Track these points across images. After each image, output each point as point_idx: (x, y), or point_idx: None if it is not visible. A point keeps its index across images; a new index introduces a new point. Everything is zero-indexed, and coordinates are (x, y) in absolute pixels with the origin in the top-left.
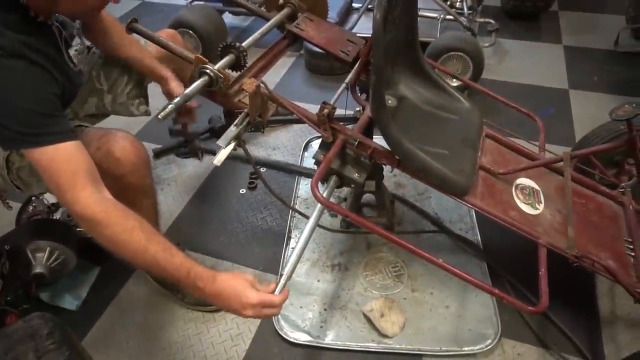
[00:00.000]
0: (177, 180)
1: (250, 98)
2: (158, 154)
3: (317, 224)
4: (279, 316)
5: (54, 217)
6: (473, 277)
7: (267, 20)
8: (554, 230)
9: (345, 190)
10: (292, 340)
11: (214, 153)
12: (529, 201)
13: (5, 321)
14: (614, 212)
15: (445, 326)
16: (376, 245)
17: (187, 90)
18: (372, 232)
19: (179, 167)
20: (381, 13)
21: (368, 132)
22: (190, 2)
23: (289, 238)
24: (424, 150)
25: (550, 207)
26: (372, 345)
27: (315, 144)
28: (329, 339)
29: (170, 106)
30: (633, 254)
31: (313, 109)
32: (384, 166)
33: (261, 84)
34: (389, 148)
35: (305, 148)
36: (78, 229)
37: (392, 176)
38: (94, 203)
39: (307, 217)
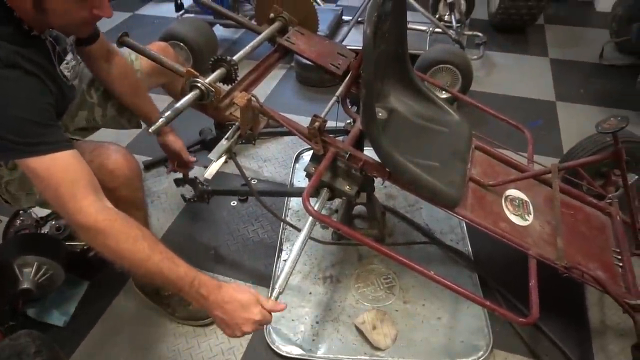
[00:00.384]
0: (167, 193)
1: (242, 112)
2: (148, 167)
3: (309, 237)
4: (271, 329)
5: (42, 232)
6: (464, 289)
7: (258, 33)
8: (543, 241)
9: (336, 202)
10: (284, 353)
11: (223, 194)
12: (519, 212)
13: None
14: (602, 222)
15: (438, 338)
16: (368, 257)
17: (178, 104)
18: (363, 244)
19: (169, 179)
20: (371, 27)
21: (359, 144)
22: (181, 15)
23: (281, 250)
24: (414, 162)
25: (540, 218)
26: (364, 359)
27: (307, 156)
28: (321, 352)
29: (161, 120)
30: (621, 264)
31: (304, 121)
32: (375, 178)
33: (252, 98)
34: (379, 160)
35: (297, 160)
36: (67, 243)
37: (383, 188)
38: (96, 212)
39: (299, 230)
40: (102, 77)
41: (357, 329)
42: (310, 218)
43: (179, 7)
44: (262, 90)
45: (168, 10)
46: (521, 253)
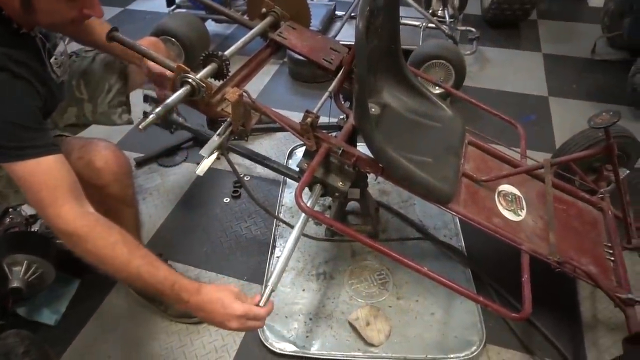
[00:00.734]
0: (159, 190)
1: (233, 107)
2: (140, 163)
3: (302, 233)
4: (264, 326)
5: (32, 230)
6: (457, 284)
7: (250, 28)
8: (536, 236)
9: (329, 198)
10: (277, 350)
11: (187, 129)
12: (512, 208)
13: None
14: (594, 217)
15: (431, 333)
16: (361, 253)
17: (169, 100)
18: (357, 241)
19: (161, 176)
20: (363, 22)
21: (352, 140)
22: (173, 10)
23: (274, 247)
24: (407, 158)
25: (532, 213)
26: (358, 355)
27: (300, 152)
28: (315, 349)
29: (151, 116)
30: (612, 258)
31: (297, 116)
32: (368, 174)
33: (244, 93)
34: (372, 156)
35: (290, 156)
36: (57, 241)
37: (376, 183)
38: (75, 218)
39: (292, 227)
40: (91, 40)
41: (351, 325)
42: (303, 215)
43: (170, 2)
44: (255, 86)
45: (159, 5)
46: (514, 248)
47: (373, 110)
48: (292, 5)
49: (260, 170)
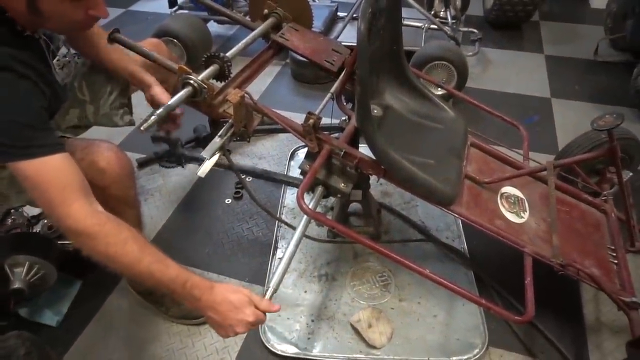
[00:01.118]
0: (161, 191)
1: (235, 109)
2: (142, 164)
3: (304, 235)
4: (266, 328)
5: (34, 230)
6: (460, 287)
7: (252, 30)
8: (539, 238)
9: (332, 199)
10: (279, 352)
11: (196, 160)
12: (514, 210)
13: None
14: (597, 220)
15: (433, 336)
16: (363, 255)
17: (171, 101)
18: (359, 243)
19: (163, 177)
20: (365, 24)
21: (354, 142)
22: (175, 11)
23: (276, 248)
24: (409, 160)
25: (535, 215)
26: (360, 357)
27: (302, 153)
28: (317, 351)
29: (152, 117)
30: (616, 261)
31: (299, 117)
32: (370, 176)
33: (246, 95)
34: (374, 158)
35: (292, 157)
36: (59, 242)
37: (378, 185)
38: (86, 216)
39: (294, 228)
40: (91, 52)
41: (353, 327)
42: (305, 216)
43: (172, 3)
44: (257, 87)
45: (162, 6)
46: (517, 250)
47: (375, 111)
48: (294, 6)
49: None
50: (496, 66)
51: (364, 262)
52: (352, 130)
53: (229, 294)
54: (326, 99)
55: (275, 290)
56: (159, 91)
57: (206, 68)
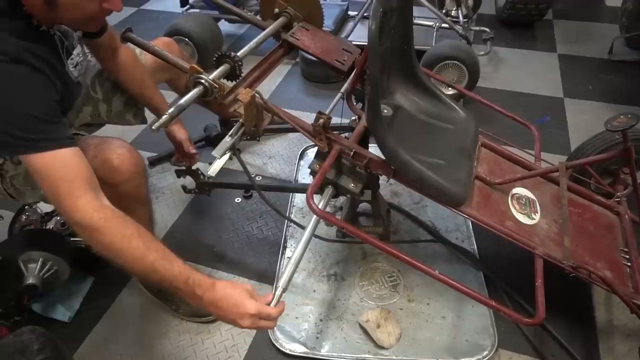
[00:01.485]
0: (172, 189)
1: (245, 108)
2: (153, 162)
3: (313, 234)
4: (275, 327)
5: (48, 227)
6: (469, 288)
7: (263, 29)
8: (550, 240)
9: (341, 199)
10: (287, 351)
11: (223, 186)
12: (525, 211)
13: None
14: (610, 221)
15: (442, 337)
16: (372, 255)
17: (182, 101)
18: (368, 243)
19: (174, 175)
20: (376, 23)
21: (364, 141)
22: (187, 10)
23: (285, 248)
24: (419, 160)
25: (547, 217)
26: (369, 357)
27: (312, 152)
28: (325, 350)
29: (164, 117)
30: (629, 264)
31: (309, 117)
32: (380, 176)
33: (256, 94)
34: (384, 158)
35: (302, 156)
36: (72, 239)
37: (388, 185)
38: (92, 210)
39: (303, 227)
40: (109, 67)
41: (361, 327)
42: (315, 216)
43: (184, 2)
44: (267, 86)
45: (173, 5)
46: (527, 252)
47: (385, 111)
48: (304, 5)
49: (272, 170)
50: (508, 66)
51: (373, 262)
52: (362, 130)
53: (228, 289)
54: (336, 98)
55: (284, 290)
56: (177, 127)
57: (217, 67)
